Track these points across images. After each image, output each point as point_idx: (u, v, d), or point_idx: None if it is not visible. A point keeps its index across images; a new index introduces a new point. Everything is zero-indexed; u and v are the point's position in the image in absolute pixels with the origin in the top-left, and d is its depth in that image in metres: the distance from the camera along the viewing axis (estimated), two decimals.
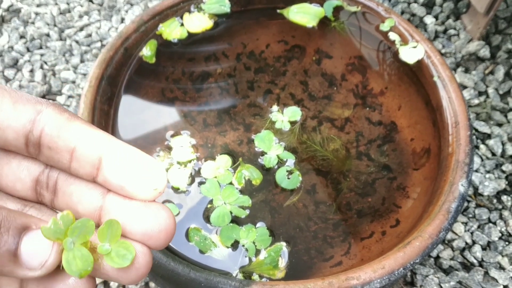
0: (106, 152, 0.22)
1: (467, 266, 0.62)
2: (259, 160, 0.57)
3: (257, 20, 0.68)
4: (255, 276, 0.47)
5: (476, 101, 0.75)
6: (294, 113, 0.60)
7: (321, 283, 0.41)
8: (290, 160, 0.58)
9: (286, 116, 0.60)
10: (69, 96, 0.79)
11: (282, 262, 0.49)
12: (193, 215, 0.51)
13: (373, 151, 0.60)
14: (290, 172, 0.56)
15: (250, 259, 0.49)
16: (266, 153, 0.57)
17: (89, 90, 0.54)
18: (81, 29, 0.88)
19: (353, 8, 0.65)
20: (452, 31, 0.83)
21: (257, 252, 0.49)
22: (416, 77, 0.61)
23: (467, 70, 0.78)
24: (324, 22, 0.66)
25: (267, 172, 0.56)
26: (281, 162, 0.57)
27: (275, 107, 0.61)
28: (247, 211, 0.52)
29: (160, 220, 0.23)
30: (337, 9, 0.66)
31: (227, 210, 0.51)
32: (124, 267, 0.21)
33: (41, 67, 0.82)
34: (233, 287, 0.41)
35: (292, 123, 0.60)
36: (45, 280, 0.21)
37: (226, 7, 0.65)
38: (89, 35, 0.87)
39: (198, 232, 0.49)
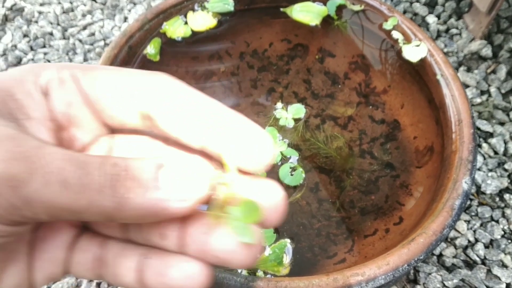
0: (209, 125, 0.21)
1: (469, 264, 0.62)
2: None
3: (260, 19, 0.68)
4: (260, 273, 0.48)
5: (478, 100, 0.75)
6: (298, 110, 0.60)
7: (326, 279, 0.42)
8: (294, 157, 0.58)
9: (290, 113, 0.60)
10: None
11: (287, 259, 0.49)
12: None
13: (376, 149, 0.60)
14: (293, 169, 0.56)
15: None
16: None
17: None
18: (84, 28, 0.88)
19: (356, 7, 0.65)
20: (454, 30, 0.83)
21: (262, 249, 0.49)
22: (419, 75, 0.61)
23: (469, 69, 0.79)
24: (327, 20, 0.66)
25: (271, 169, 0.56)
26: (284, 159, 0.57)
27: (279, 104, 0.61)
28: None
29: (276, 197, 0.21)
30: (340, 8, 0.66)
31: None
32: (246, 244, 0.19)
33: None
34: (238, 283, 0.41)
35: (296, 120, 0.60)
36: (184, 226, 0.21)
37: (230, 6, 0.65)
38: (92, 34, 0.87)
39: None
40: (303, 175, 0.56)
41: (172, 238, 0.21)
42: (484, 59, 0.79)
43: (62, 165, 0.18)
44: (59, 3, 0.91)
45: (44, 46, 0.85)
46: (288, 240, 0.51)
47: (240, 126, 0.21)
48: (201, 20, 0.65)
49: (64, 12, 0.90)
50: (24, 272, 0.22)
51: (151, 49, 0.62)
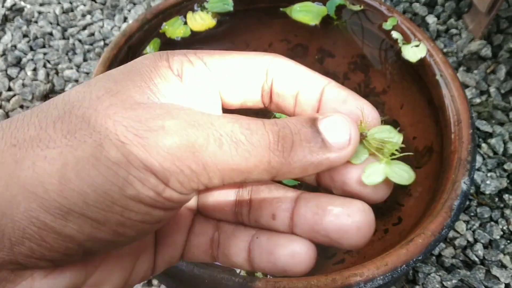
0: (324, 95, 0.23)
1: (468, 265, 0.62)
2: None
3: (260, 19, 0.68)
4: (258, 273, 0.48)
5: (477, 100, 0.75)
6: None
7: (324, 280, 0.42)
8: None
9: None
10: None
11: None
12: None
13: None
14: None
15: None
16: None
17: None
18: (84, 28, 0.88)
19: (356, 7, 0.65)
20: (454, 31, 0.83)
21: None
22: (419, 75, 0.61)
23: (468, 69, 0.79)
24: (326, 21, 0.66)
25: None
26: None
27: None
28: None
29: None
30: (340, 8, 0.66)
31: None
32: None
33: (44, 66, 0.82)
34: (237, 284, 0.41)
35: None
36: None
37: (229, 6, 0.65)
38: (92, 34, 0.87)
39: None
40: None
41: (283, 219, 0.23)
42: (483, 59, 0.79)
43: (231, 128, 0.19)
44: (59, 3, 0.91)
45: (44, 46, 0.85)
46: None
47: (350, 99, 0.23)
48: (201, 20, 0.65)
49: (64, 12, 0.90)
50: (151, 258, 0.24)
51: (151, 49, 0.62)
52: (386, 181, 0.22)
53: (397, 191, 0.57)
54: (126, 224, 0.19)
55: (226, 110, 0.25)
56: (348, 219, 0.21)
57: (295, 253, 0.22)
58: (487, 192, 0.66)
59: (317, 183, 0.23)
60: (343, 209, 0.21)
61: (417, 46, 0.60)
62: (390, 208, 0.56)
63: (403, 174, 0.22)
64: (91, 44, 0.86)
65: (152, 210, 0.19)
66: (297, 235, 0.23)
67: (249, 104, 0.25)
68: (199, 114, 0.20)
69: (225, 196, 0.24)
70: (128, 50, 0.60)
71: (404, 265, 0.43)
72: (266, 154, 0.20)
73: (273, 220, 0.23)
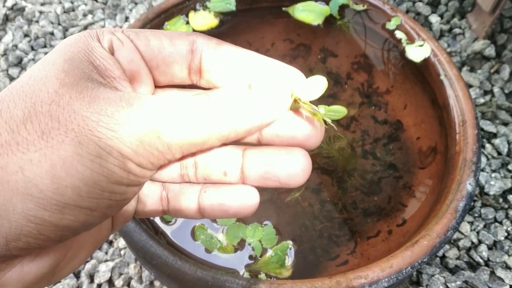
0: (255, 69, 0.25)
1: (473, 266, 0.61)
2: None
3: (262, 19, 0.67)
4: (262, 275, 0.47)
5: (481, 100, 0.74)
6: None
7: (328, 282, 0.41)
8: None
9: None
10: None
11: (289, 261, 0.49)
12: None
13: (378, 149, 0.59)
14: None
15: (256, 258, 0.48)
16: None
17: None
18: (85, 27, 0.87)
19: (359, 7, 0.65)
20: (457, 30, 0.82)
21: (264, 251, 0.49)
22: (422, 75, 0.60)
23: (472, 69, 0.78)
24: (329, 20, 0.66)
25: None
26: None
27: None
28: None
29: (310, 126, 0.25)
30: (343, 8, 0.66)
31: None
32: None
33: None
34: (240, 286, 0.41)
35: None
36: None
37: (231, 5, 0.65)
38: None
39: (204, 231, 0.49)
40: None
41: (234, 174, 0.26)
42: (487, 59, 0.79)
43: (180, 108, 0.22)
44: (60, 2, 0.91)
45: (45, 46, 0.85)
46: (290, 242, 0.50)
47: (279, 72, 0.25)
48: (203, 20, 0.64)
49: (65, 12, 0.90)
50: (110, 222, 0.27)
51: None
52: (318, 128, 0.25)
53: (400, 191, 0.56)
54: (112, 206, 0.22)
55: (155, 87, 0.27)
56: (296, 165, 0.24)
57: (244, 202, 0.25)
58: (491, 193, 0.66)
59: (258, 141, 0.26)
60: (290, 157, 0.25)
61: (421, 45, 0.59)
62: (394, 209, 0.56)
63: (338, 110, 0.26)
64: None
65: (131, 189, 0.22)
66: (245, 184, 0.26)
67: (177, 81, 0.26)
68: (151, 101, 0.22)
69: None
70: None
71: (409, 267, 0.43)
72: (216, 126, 0.22)
73: (225, 176, 0.26)
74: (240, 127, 0.23)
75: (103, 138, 0.20)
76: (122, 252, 0.64)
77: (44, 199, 0.19)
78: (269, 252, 0.49)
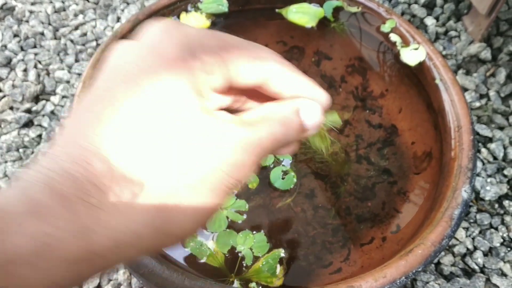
0: (299, 91, 0.28)
1: (468, 273, 0.60)
2: None
3: (255, 20, 0.66)
4: (253, 284, 0.46)
5: (477, 104, 0.74)
6: None
7: None
8: (287, 161, 0.56)
9: None
10: (63, 96, 0.78)
11: (280, 270, 0.48)
12: None
13: (373, 154, 0.58)
14: (285, 173, 0.55)
15: (247, 266, 0.47)
16: None
17: (82, 91, 0.53)
18: (76, 28, 0.86)
19: (353, 9, 0.64)
20: (453, 33, 0.81)
21: (255, 259, 0.48)
22: (417, 79, 0.59)
23: (468, 72, 0.77)
24: (323, 22, 0.65)
25: (263, 172, 0.55)
26: (277, 162, 0.56)
27: None
28: (244, 216, 0.51)
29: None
30: (337, 10, 0.65)
31: (223, 215, 0.50)
32: None
33: (35, 67, 0.80)
34: None
35: None
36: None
37: (224, 7, 0.63)
38: (84, 34, 0.85)
39: (194, 238, 0.48)
40: (295, 179, 0.55)
41: None
42: (483, 62, 0.78)
43: (274, 128, 0.26)
44: (51, 2, 0.89)
45: (35, 46, 0.83)
46: (282, 250, 0.49)
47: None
48: (194, 21, 0.63)
49: (55, 12, 0.88)
50: None
51: None
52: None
53: (395, 197, 0.55)
54: None
55: None
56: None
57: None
58: (487, 198, 0.65)
59: None
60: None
61: (416, 49, 0.58)
62: (388, 215, 0.54)
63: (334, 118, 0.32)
64: (83, 45, 0.84)
65: None
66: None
67: (247, 86, 0.28)
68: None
69: None
70: None
71: (404, 277, 0.42)
72: (293, 134, 0.27)
73: None
74: (301, 137, 0.29)
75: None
76: None
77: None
78: (260, 260, 0.48)
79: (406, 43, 0.60)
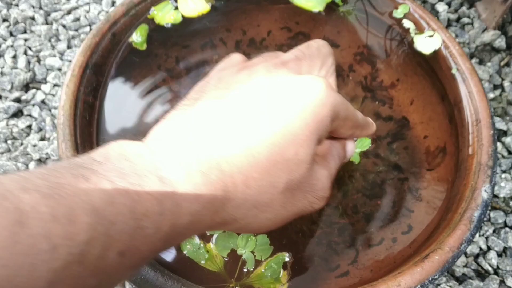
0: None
1: (481, 274, 0.57)
2: None
3: (258, 5, 0.62)
4: None
5: (491, 95, 0.70)
6: None
7: None
8: None
9: None
10: (55, 85, 0.74)
11: (283, 274, 0.44)
12: None
13: (382, 149, 0.55)
14: None
15: (248, 271, 0.44)
16: None
17: (71, 79, 0.49)
18: (69, 12, 0.82)
19: None
20: (465, 20, 0.77)
21: (257, 263, 0.44)
22: (432, 69, 0.56)
23: (481, 62, 0.73)
24: (331, 7, 0.61)
25: None
26: None
27: None
28: None
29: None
30: None
31: None
32: None
33: (25, 53, 0.76)
34: None
35: None
36: None
37: None
38: (77, 19, 0.81)
39: (191, 240, 0.44)
40: None
41: None
42: (497, 50, 0.74)
43: (337, 163, 0.37)
44: None
45: (24, 32, 0.79)
46: (286, 254, 0.46)
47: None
48: (193, 5, 0.59)
49: None
50: None
51: (138, 37, 0.56)
52: None
53: (406, 195, 0.52)
54: None
55: None
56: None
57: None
58: (501, 195, 0.61)
59: None
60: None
61: (431, 36, 0.54)
62: (398, 214, 0.51)
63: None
64: (76, 30, 0.80)
65: None
66: None
67: None
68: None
69: None
70: (112, 38, 0.54)
71: (419, 286, 0.38)
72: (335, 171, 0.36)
73: None
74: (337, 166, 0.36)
75: None
76: None
77: None
78: (263, 265, 0.44)
79: (420, 30, 0.56)
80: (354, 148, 0.38)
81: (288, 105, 0.29)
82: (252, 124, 0.28)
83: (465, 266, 0.57)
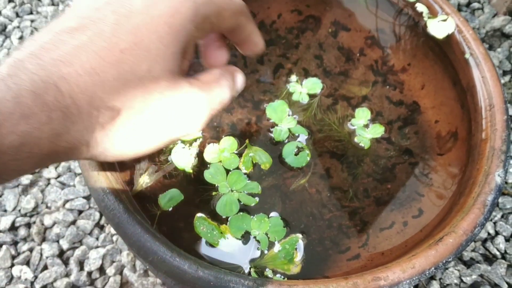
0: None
1: (489, 258, 0.58)
2: (268, 133, 0.52)
3: None
4: (268, 271, 0.43)
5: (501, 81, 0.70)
6: (314, 85, 0.55)
7: (344, 284, 0.37)
8: (303, 136, 0.53)
9: (305, 87, 0.55)
10: None
11: (298, 256, 0.45)
12: (200, 201, 0.46)
13: (393, 133, 0.55)
14: (299, 149, 0.51)
15: (262, 252, 0.44)
16: (277, 125, 0.52)
17: None
18: None
19: None
20: (476, 5, 0.77)
21: (270, 244, 0.44)
22: (444, 53, 0.55)
23: (491, 47, 0.73)
24: None
25: (276, 148, 0.51)
26: (292, 137, 0.52)
27: (293, 77, 0.56)
28: (257, 199, 0.47)
29: None
30: None
31: (235, 197, 0.46)
32: None
33: (32, 34, 0.76)
34: (246, 287, 0.36)
35: (311, 96, 0.55)
36: None
37: None
38: None
39: (205, 222, 0.44)
40: (309, 158, 0.51)
41: None
42: (507, 36, 0.74)
43: (224, 92, 0.34)
44: None
45: (31, 13, 0.78)
46: (299, 236, 0.46)
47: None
48: None
49: None
50: None
51: None
52: None
53: (416, 179, 0.52)
54: None
55: None
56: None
57: None
58: (510, 181, 0.62)
59: None
60: None
61: (444, 20, 0.54)
62: (409, 198, 0.51)
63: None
64: None
65: None
66: None
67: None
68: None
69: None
70: None
71: (433, 268, 0.39)
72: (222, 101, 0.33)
73: None
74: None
75: None
76: (114, 238, 0.60)
77: None
78: (277, 246, 0.44)
79: (433, 13, 0.55)
80: (244, 77, 0.36)
81: (135, 18, 0.26)
82: (96, 40, 0.25)
83: (473, 250, 0.58)
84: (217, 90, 0.32)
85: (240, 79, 0.35)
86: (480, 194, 0.43)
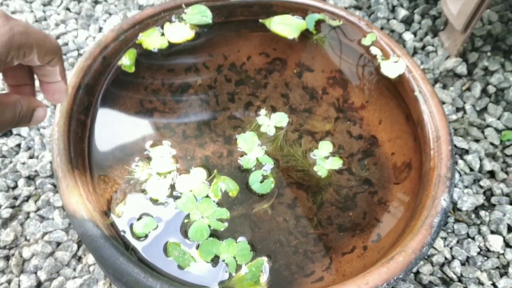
0: None
1: (446, 282, 0.61)
2: (238, 160, 0.56)
3: (238, 32, 0.67)
4: None
5: (454, 117, 0.76)
6: (281, 118, 0.60)
7: None
8: (268, 166, 0.57)
9: (272, 121, 0.59)
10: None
11: (263, 278, 0.48)
12: (172, 228, 0.50)
13: (354, 165, 0.59)
14: (264, 177, 0.55)
15: (230, 275, 0.47)
16: (246, 154, 0.56)
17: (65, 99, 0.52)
18: (58, 37, 0.86)
19: (335, 22, 0.65)
20: (430, 48, 0.84)
21: (238, 267, 0.48)
22: (397, 91, 0.61)
23: (445, 86, 0.79)
24: (305, 35, 0.66)
25: (244, 176, 0.55)
26: (258, 166, 0.56)
27: (263, 111, 0.61)
28: (226, 224, 0.51)
29: None
30: (319, 23, 0.66)
31: (205, 224, 0.50)
32: None
33: None
34: None
35: (278, 129, 0.59)
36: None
37: (208, 18, 0.64)
38: (66, 44, 0.85)
39: (177, 247, 0.48)
40: (273, 185, 0.55)
41: None
42: (459, 76, 0.80)
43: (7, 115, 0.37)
44: (32, 11, 0.89)
45: None
46: (265, 259, 0.49)
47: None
48: (179, 32, 0.63)
49: (36, 21, 0.87)
50: None
51: (126, 60, 0.60)
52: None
53: (375, 207, 0.56)
54: None
55: None
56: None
57: None
58: (464, 209, 0.66)
59: None
60: None
61: (396, 62, 0.60)
62: (369, 225, 0.55)
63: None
64: (65, 54, 0.83)
65: None
66: None
67: None
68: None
69: None
70: (103, 61, 0.58)
71: (385, 284, 0.42)
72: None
73: None
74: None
75: None
76: (91, 269, 0.62)
77: None
78: (244, 269, 0.48)
79: (386, 56, 0.61)
80: (45, 115, 0.40)
81: None
82: None
83: (432, 274, 0.62)
84: (8, 113, 0.35)
85: (39, 113, 0.39)
86: (427, 217, 0.47)
